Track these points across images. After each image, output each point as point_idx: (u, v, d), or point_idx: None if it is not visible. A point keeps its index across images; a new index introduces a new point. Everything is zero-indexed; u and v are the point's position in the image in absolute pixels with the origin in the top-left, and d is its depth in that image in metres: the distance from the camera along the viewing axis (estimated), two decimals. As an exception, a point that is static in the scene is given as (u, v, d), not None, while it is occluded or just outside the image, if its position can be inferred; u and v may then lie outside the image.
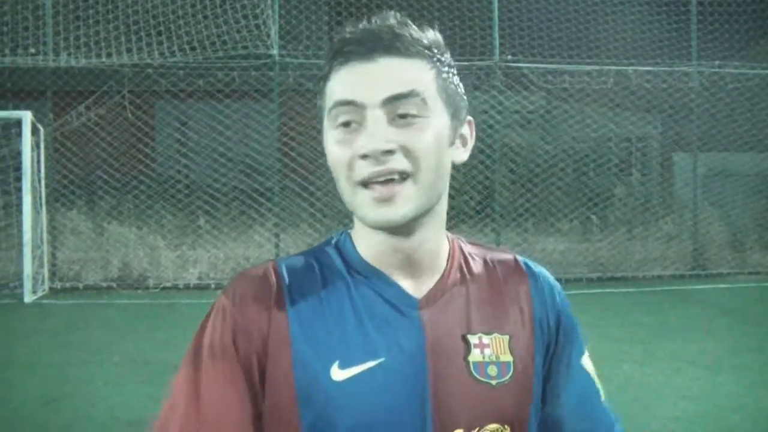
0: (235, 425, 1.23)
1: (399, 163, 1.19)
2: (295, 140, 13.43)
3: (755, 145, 15.41)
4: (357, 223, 1.31)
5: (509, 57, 13.74)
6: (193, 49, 12.68)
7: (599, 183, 15.35)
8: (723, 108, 14.81)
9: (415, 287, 1.30)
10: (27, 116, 11.90)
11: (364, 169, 1.19)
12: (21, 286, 11.69)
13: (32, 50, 12.67)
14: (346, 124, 1.21)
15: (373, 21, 1.25)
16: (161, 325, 9.68)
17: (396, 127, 1.19)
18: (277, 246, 12.94)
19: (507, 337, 1.31)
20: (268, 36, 12.69)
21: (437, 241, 1.32)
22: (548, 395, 1.37)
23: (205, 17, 12.76)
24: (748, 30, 14.77)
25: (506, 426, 1.27)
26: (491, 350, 1.29)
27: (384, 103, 1.19)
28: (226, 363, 1.24)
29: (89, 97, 13.25)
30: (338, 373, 1.22)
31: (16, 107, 12.46)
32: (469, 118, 1.35)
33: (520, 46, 14.01)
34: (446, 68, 1.28)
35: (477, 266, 1.37)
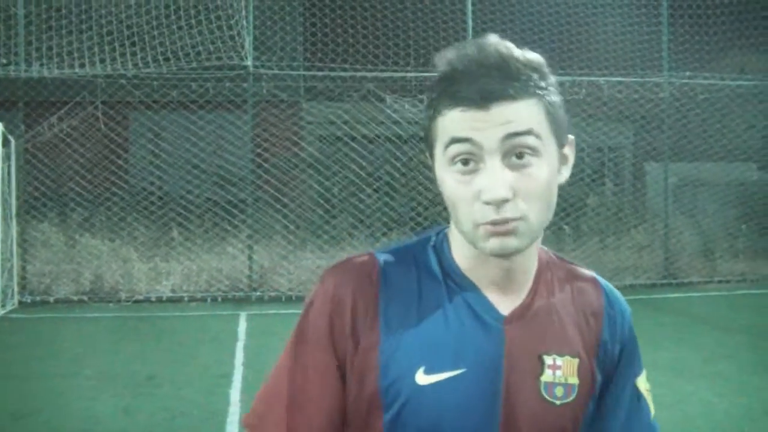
0: (326, 414, 1.32)
1: (515, 209, 1.23)
2: (268, 151, 13.40)
3: (725, 156, 15.60)
4: (456, 231, 1.36)
5: (482, 68, 13.79)
6: (167, 59, 12.63)
7: (572, 193, 15.43)
8: (693, 118, 14.99)
9: (503, 302, 1.35)
10: (-3, 127, 11.79)
11: (486, 215, 1.24)
12: (-10, 299, 11.55)
13: (3, 60, 12.56)
14: (465, 162, 1.25)
15: (477, 51, 1.26)
16: (134, 338, 9.61)
17: (513, 169, 1.23)
18: (250, 258, 12.89)
19: (577, 361, 1.36)
20: (242, 47, 12.67)
21: (532, 261, 1.38)
22: (600, 411, 1.42)
23: (180, 28, 12.72)
24: (718, 42, 14.97)
25: None
26: (561, 372, 1.35)
27: (501, 142, 1.22)
28: (322, 353, 1.32)
29: (62, 108, 13.14)
30: (423, 378, 1.28)
31: (-14, 118, 12.34)
32: (571, 137, 1.37)
33: (493, 58, 14.07)
34: (553, 97, 1.30)
35: (560, 284, 1.42)
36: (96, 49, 12.68)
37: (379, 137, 13.81)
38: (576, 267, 1.48)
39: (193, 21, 12.69)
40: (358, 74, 13.60)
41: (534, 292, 1.38)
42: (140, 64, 12.64)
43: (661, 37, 14.63)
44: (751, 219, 15.64)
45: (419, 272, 1.36)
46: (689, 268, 14.65)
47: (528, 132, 1.23)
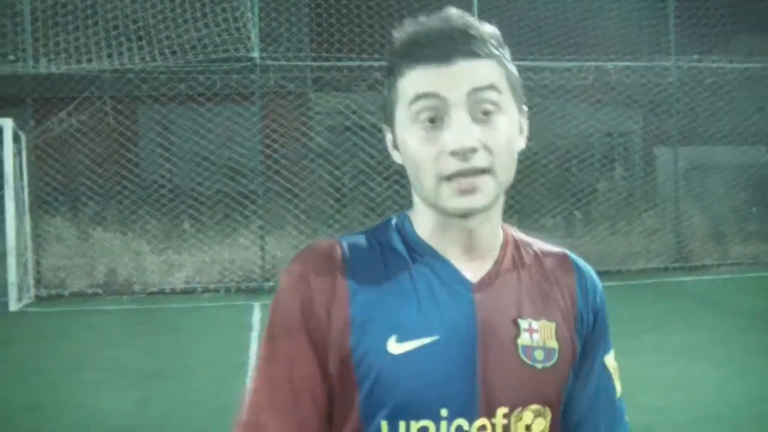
0: (315, 403, 1.31)
1: (481, 160, 1.25)
2: (277, 142, 13.43)
3: (734, 139, 15.52)
4: (418, 206, 1.38)
5: (489, 55, 13.77)
6: (174, 53, 12.66)
7: (582, 179, 15.41)
8: (702, 102, 14.92)
9: (471, 270, 1.35)
10: (8, 123, 11.85)
11: (452, 165, 1.25)
12: (6, 294, 11.64)
13: (11, 57, 12.62)
14: (432, 120, 1.27)
15: (439, 20, 1.31)
16: (147, 330, 9.68)
17: (478, 124, 1.26)
18: (262, 248, 12.95)
19: (554, 324, 1.36)
20: (249, 39, 12.69)
21: (495, 227, 1.39)
22: (573, 389, 1.43)
23: (186, 21, 12.74)
24: (725, 24, 14.88)
25: (546, 407, 1.33)
26: (539, 335, 1.34)
27: (468, 96, 1.25)
28: (297, 338, 1.31)
29: (70, 103, 13.20)
30: (395, 347, 1.27)
31: (-4, 115, 12.40)
32: (524, 107, 1.40)
33: (500, 44, 14.03)
34: (510, 65, 1.34)
35: (528, 255, 1.43)
36: (103, 44, 12.71)
37: (387, 126, 13.80)
38: (545, 244, 1.49)
39: (199, 14, 12.70)
40: (365, 64, 13.60)
41: (502, 260, 1.38)
42: (147, 58, 12.67)
43: (668, 21, 14.56)
44: (762, 201, 15.59)
45: (383, 250, 1.37)
46: (701, 252, 14.63)
47: (491, 86, 1.27)
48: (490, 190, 1.28)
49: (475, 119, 1.26)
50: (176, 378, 7.21)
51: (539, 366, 1.32)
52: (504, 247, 1.40)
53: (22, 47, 12.68)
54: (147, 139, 15.17)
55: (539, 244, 1.47)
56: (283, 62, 13.63)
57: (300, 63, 14.27)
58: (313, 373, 1.30)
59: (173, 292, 12.55)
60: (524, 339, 1.33)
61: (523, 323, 1.34)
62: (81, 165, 13.34)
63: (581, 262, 1.49)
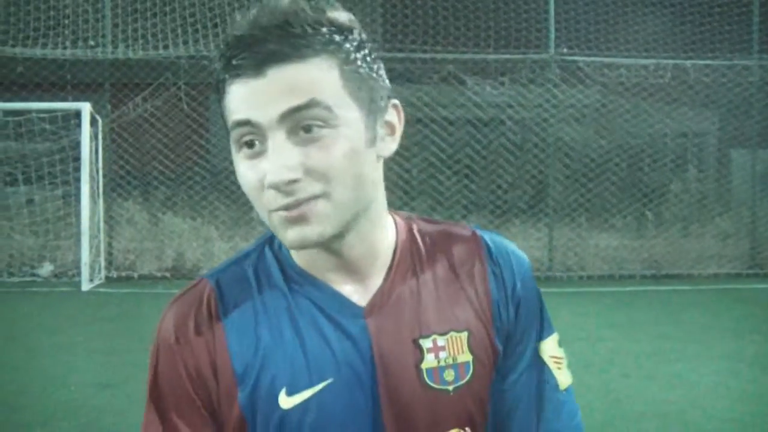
0: None
1: (307, 189, 1.08)
2: (347, 133, 13.44)
3: (818, 142, 15.02)
4: None
5: (565, 50, 13.59)
6: (248, 41, 12.76)
7: (654, 179, 15.09)
8: (785, 103, 14.46)
9: (358, 292, 1.21)
10: (86, 107, 12.13)
11: (273, 201, 1.10)
12: (79, 274, 11.94)
13: (91, 43, 12.91)
14: (250, 145, 1.11)
15: (263, 10, 1.11)
16: (214, 315, 9.79)
17: (300, 146, 1.08)
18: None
19: (465, 333, 1.22)
20: (322, 28, 12.72)
21: (375, 241, 1.22)
22: (497, 384, 1.27)
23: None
24: (812, 23, 14.38)
25: (467, 428, 1.21)
26: (447, 352, 1.20)
27: (280, 120, 1.07)
28: (187, 407, 1.19)
29: (146, 89, 13.43)
30: (286, 401, 1.15)
31: (75, 99, 12.71)
32: (394, 101, 1.21)
33: (576, 40, 13.83)
34: (355, 55, 1.13)
35: (430, 252, 1.26)
36: (179, 31, 12.91)
37: (459, 119, 13.73)
38: (451, 227, 1.32)
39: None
40: (438, 56, 13.52)
41: (394, 273, 1.22)
42: (222, 46, 12.80)
43: (751, 18, 14.13)
44: (844, 208, 15.04)
45: (259, 284, 1.22)
46: (777, 259, 14.20)
47: (309, 104, 1.06)
48: (325, 217, 1.10)
49: (296, 140, 1.08)
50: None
51: (450, 388, 1.19)
52: (397, 253, 1.24)
53: (101, 33, 12.96)
54: (219, 126, 15.32)
55: (446, 231, 1.30)
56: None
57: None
58: None
59: (240, 278, 12.67)
60: (429, 361, 1.19)
61: (426, 342, 1.19)
62: (154, 150, 13.57)
63: (497, 242, 1.30)
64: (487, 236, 1.30)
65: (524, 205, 13.94)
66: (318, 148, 1.08)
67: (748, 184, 14.63)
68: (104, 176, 12.87)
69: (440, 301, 1.23)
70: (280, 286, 1.21)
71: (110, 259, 13.04)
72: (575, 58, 13.60)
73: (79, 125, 12.14)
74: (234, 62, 1.09)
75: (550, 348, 1.31)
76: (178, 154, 13.85)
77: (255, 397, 1.16)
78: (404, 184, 13.77)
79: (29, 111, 12.39)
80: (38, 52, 12.62)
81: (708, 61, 14.04)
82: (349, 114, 1.10)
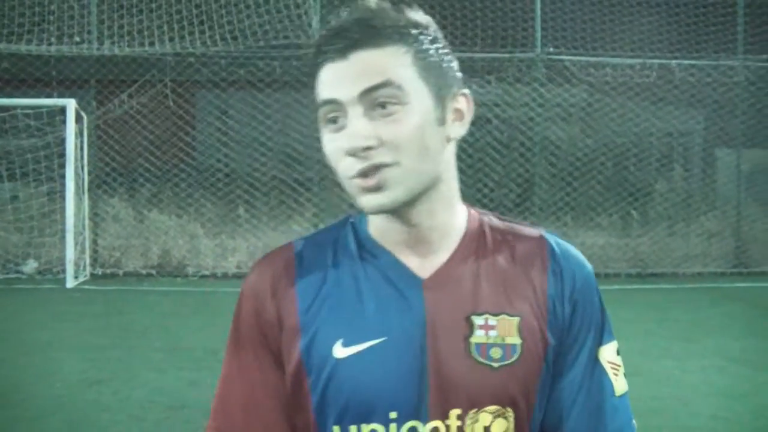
0: (279, 411, 1.32)
1: (380, 156, 1.23)
2: (334, 131, 13.44)
3: (802, 142, 15.12)
4: None
5: (551, 49, 13.64)
6: (234, 38, 12.75)
7: (640, 178, 15.17)
8: (770, 103, 14.54)
9: (422, 266, 1.32)
10: (71, 104, 12.08)
11: (350, 167, 1.24)
12: (63, 271, 11.88)
13: (77, 39, 12.84)
14: (334, 121, 1.26)
15: (352, 9, 1.28)
16: (200, 313, 9.78)
17: (375, 119, 1.23)
18: (315, 236, 12.97)
19: (517, 319, 1.29)
20: (310, 26, 12.71)
21: (446, 219, 1.34)
22: (554, 384, 1.33)
23: (247, 6, 12.82)
24: (796, 24, 14.48)
25: (508, 408, 1.27)
26: (496, 332, 1.28)
27: (359, 97, 1.22)
28: (260, 349, 1.33)
29: (132, 85, 13.39)
30: (340, 350, 1.26)
31: (61, 95, 12.65)
32: (465, 91, 1.34)
33: (562, 39, 13.89)
34: (428, 46, 1.28)
35: (496, 243, 1.36)
36: (165, 28, 12.86)
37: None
38: (521, 226, 1.41)
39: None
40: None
41: (458, 253, 1.33)
42: (208, 43, 12.78)
43: (736, 18, 14.22)
44: (827, 207, 15.15)
45: (335, 251, 1.36)
46: (761, 257, 14.29)
47: (384, 84, 1.22)
48: (397, 184, 1.24)
49: (372, 115, 1.23)
50: (227, 361, 7.25)
51: (496, 365, 1.26)
52: (465, 236, 1.35)
53: (87, 29, 12.90)
54: (205, 123, 15.32)
55: (515, 229, 1.40)
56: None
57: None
58: (277, 380, 1.31)
59: (225, 276, 12.66)
60: (478, 336, 1.27)
61: (478, 319, 1.28)
62: (139, 147, 13.53)
63: (561, 246, 1.39)
64: (554, 239, 1.40)
65: (510, 204, 13.98)
66: (390, 122, 1.23)
67: (733, 184, 14.72)
68: (89, 173, 12.82)
69: (497, 287, 1.32)
70: (352, 253, 1.35)
71: (95, 256, 12.98)
72: (561, 57, 13.66)
73: (64, 122, 12.08)
74: (323, 48, 1.26)
75: (609, 354, 1.38)
76: (164, 151, 13.81)
77: (314, 346, 1.28)
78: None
79: (14, 107, 12.32)
80: (23, 48, 12.55)
81: (693, 61, 14.13)
82: (420, 94, 1.25)
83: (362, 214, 1.37)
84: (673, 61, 14.12)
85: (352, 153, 1.23)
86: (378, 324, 1.27)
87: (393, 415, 1.25)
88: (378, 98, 1.22)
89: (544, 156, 14.00)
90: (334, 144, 1.26)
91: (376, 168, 1.23)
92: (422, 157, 1.25)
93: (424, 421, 1.25)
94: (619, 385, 1.37)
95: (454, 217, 1.35)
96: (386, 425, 1.25)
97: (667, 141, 16.69)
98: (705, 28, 14.50)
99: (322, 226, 13.06)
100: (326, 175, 13.47)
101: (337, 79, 1.24)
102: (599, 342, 1.36)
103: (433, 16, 1.34)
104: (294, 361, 1.29)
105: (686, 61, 14.14)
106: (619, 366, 1.39)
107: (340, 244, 1.37)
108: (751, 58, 14.21)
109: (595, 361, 1.35)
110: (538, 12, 13.45)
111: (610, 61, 13.95)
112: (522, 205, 13.90)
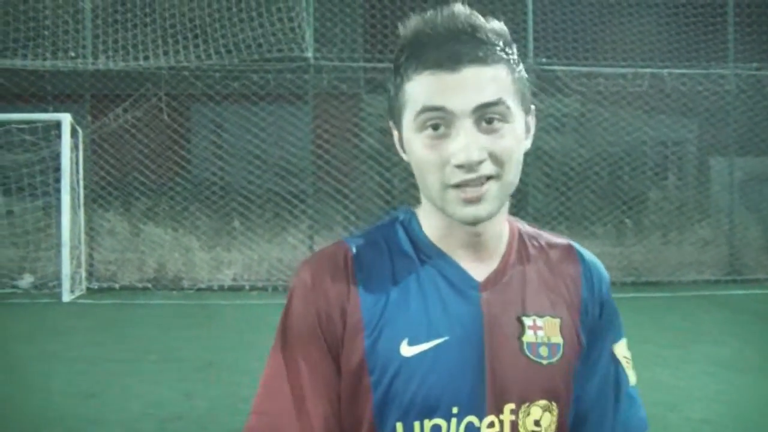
0: (330, 405, 1.34)
1: (488, 169, 1.27)
2: (329, 143, 13.50)
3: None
4: (425, 206, 1.40)
5: (543, 59, 13.71)
6: (228, 52, 12.81)
7: (634, 187, 15.23)
8: (761, 111, 14.61)
9: (477, 269, 1.38)
10: (66, 118, 12.11)
11: (458, 176, 1.27)
12: (59, 285, 11.89)
13: (72, 54, 12.88)
14: (435, 127, 1.28)
15: (445, 18, 1.29)
16: (196, 325, 9.80)
17: (484, 133, 1.27)
18: (311, 248, 13.01)
19: (558, 320, 1.39)
20: (303, 39, 12.78)
21: (501, 227, 1.42)
22: (582, 378, 1.44)
23: (241, 20, 12.88)
24: (786, 32, 14.57)
25: (553, 402, 1.36)
26: (543, 332, 1.37)
27: (473, 111, 1.26)
28: (314, 346, 1.34)
29: (126, 99, 13.43)
30: (407, 349, 1.31)
31: (56, 110, 12.67)
32: (532, 106, 1.41)
33: (554, 49, 13.97)
34: (519, 66, 1.35)
35: (534, 250, 1.45)
36: (160, 42, 12.91)
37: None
38: (551, 236, 1.51)
39: (254, 13, 12.83)
40: (418, 66, 13.56)
41: (508, 257, 1.41)
42: (202, 57, 12.83)
43: (726, 27, 14.31)
44: (820, 215, 15.21)
45: (390, 251, 1.39)
46: (755, 265, 14.33)
47: (498, 102, 1.27)
48: (495, 197, 1.30)
49: (480, 128, 1.27)
50: (224, 373, 7.27)
51: (544, 362, 1.36)
52: (510, 242, 1.43)
53: (82, 44, 12.94)
54: (200, 137, 15.36)
55: (545, 237, 1.50)
56: (336, 63, 13.70)
57: (354, 64, 14.33)
58: (332, 378, 1.34)
59: (221, 288, 12.68)
60: (529, 336, 1.36)
61: (528, 320, 1.37)
62: (135, 161, 13.55)
63: (587, 253, 1.50)
64: (580, 249, 1.51)
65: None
66: (498, 137, 1.28)
67: (727, 192, 14.78)
68: (85, 187, 12.84)
69: (540, 290, 1.41)
70: (410, 255, 1.39)
71: (91, 270, 12.99)
72: (554, 67, 13.73)
73: (59, 136, 12.11)
74: (430, 56, 1.27)
75: (623, 349, 1.51)
76: (159, 164, 13.84)
77: (378, 344, 1.32)
78: (385, 193, 13.83)
79: (9, 122, 12.35)
80: (18, 62, 12.59)
81: (684, 70, 14.21)
82: (516, 112, 1.31)
83: (411, 215, 1.44)
84: (665, 70, 14.21)
85: (466, 164, 1.26)
86: (441, 323, 1.33)
87: (455, 410, 1.31)
88: (488, 114, 1.27)
89: (538, 166, 14.05)
90: (435, 151, 1.29)
91: (482, 181, 1.28)
92: (516, 172, 1.33)
93: (482, 416, 1.32)
94: (632, 376, 1.50)
95: (505, 223, 1.44)
96: (448, 420, 1.31)
97: (661, 150, 16.77)
98: (696, 37, 14.59)
99: (317, 238, 13.16)
100: (320, 188, 13.51)
101: (449, 89, 1.26)
102: (615, 339, 1.50)
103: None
104: (356, 359, 1.32)
105: (677, 70, 14.23)
106: (629, 359, 1.51)
107: (393, 244, 1.41)
108: (742, 66, 14.30)
109: (613, 356, 1.48)
110: (530, 22, 13.53)
111: (603, 71, 14.03)
112: (517, 214, 13.59)
